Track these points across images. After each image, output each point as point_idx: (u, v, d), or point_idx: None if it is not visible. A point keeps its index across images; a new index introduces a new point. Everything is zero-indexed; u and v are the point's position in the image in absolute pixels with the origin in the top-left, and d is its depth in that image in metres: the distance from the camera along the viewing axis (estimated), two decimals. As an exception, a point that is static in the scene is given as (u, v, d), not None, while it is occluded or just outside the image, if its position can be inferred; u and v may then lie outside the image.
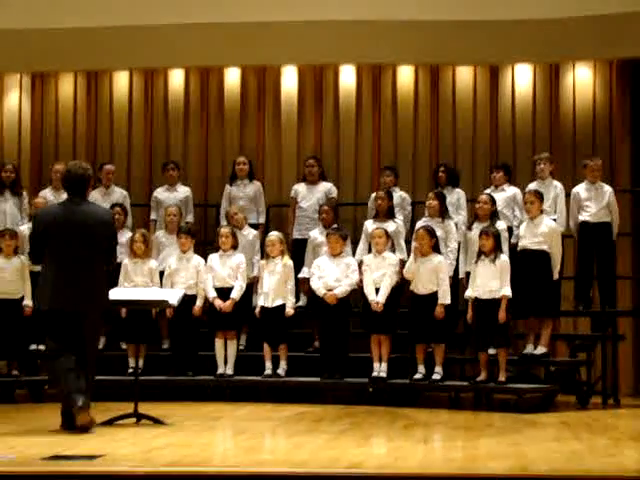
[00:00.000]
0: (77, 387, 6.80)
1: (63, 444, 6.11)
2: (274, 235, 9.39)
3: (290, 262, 9.32)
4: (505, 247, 8.82)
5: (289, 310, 9.17)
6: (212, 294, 9.22)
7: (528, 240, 8.82)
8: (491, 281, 8.52)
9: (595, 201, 9.23)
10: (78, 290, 6.97)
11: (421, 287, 8.74)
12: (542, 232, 8.78)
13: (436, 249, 8.79)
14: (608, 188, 9.31)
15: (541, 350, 8.74)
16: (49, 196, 10.08)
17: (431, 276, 8.70)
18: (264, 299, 9.18)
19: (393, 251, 9.08)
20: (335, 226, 9.43)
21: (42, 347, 9.52)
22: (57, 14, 10.55)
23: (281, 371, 9.12)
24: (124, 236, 9.71)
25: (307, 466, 5.23)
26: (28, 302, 9.22)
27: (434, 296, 8.66)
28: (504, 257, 8.59)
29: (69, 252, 6.98)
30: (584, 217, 9.24)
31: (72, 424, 6.77)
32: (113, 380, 9.18)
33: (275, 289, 9.18)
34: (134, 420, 7.21)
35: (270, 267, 9.22)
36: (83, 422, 6.70)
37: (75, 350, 6.97)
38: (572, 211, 9.30)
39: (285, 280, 9.21)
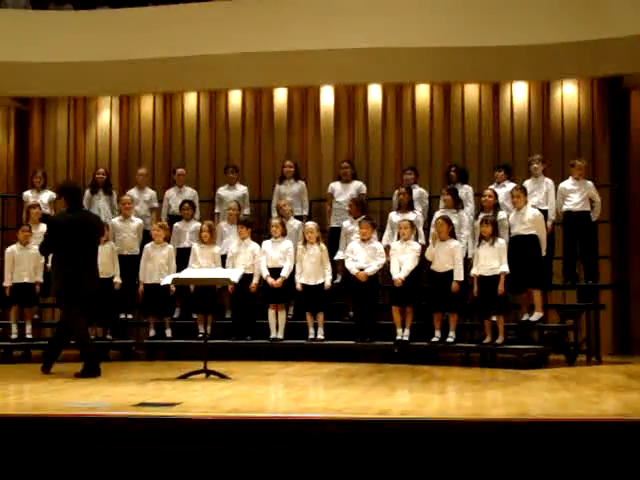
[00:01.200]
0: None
1: (148, 394, 6.20)
2: (311, 224, 9.38)
3: (324, 246, 9.29)
4: (505, 232, 8.79)
5: (327, 284, 9.17)
6: (265, 273, 9.24)
7: (518, 227, 8.75)
8: (491, 260, 8.48)
9: (578, 193, 9.15)
10: (85, 273, 7.60)
11: (439, 266, 8.71)
12: (528, 219, 8.72)
13: (452, 235, 8.77)
14: (590, 183, 9.23)
15: (537, 315, 8.68)
16: (134, 194, 10.17)
17: (448, 257, 8.67)
18: (305, 277, 9.19)
19: (416, 239, 9.07)
20: (363, 217, 9.41)
21: (130, 316, 9.70)
22: (138, 48, 10.59)
23: (320, 335, 9.10)
24: (192, 225, 9.80)
25: (344, 412, 5.26)
26: (117, 279, 9.32)
27: (450, 274, 8.62)
28: (501, 241, 8.56)
29: (77, 246, 7.57)
30: (568, 206, 9.17)
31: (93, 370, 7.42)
32: (186, 343, 9.28)
33: (313, 269, 9.18)
34: (204, 375, 7.29)
35: (310, 251, 9.23)
36: None
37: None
38: (558, 202, 9.23)
39: (321, 261, 9.21)
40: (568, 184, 9.24)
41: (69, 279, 7.53)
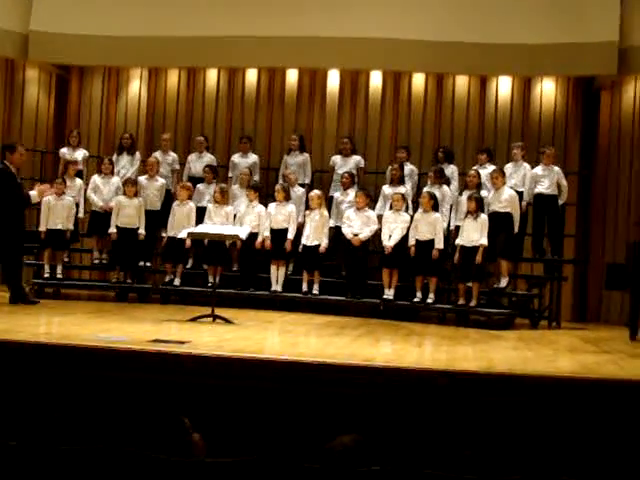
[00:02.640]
0: None
1: (162, 332, 6.23)
2: (315, 192, 9.32)
3: (326, 212, 9.23)
4: (485, 209, 8.75)
5: (323, 247, 9.13)
6: (266, 234, 9.16)
7: (496, 206, 8.69)
8: (473, 233, 8.45)
9: (547, 178, 9.08)
10: None
11: (422, 235, 8.69)
12: (505, 199, 8.67)
13: (435, 208, 8.73)
14: (557, 169, 9.14)
15: (504, 281, 8.62)
16: (158, 157, 10.08)
17: (430, 228, 8.64)
18: (306, 239, 9.16)
19: (406, 210, 9.02)
20: (357, 188, 9.36)
21: (148, 264, 9.67)
22: (167, 26, 10.51)
23: (315, 290, 9.10)
24: (212, 188, 9.70)
25: (334, 358, 5.27)
26: (142, 231, 9.28)
27: (431, 242, 8.59)
28: (484, 216, 8.51)
29: None
30: (539, 190, 9.10)
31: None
32: (197, 291, 9.24)
33: (314, 232, 9.15)
34: (211, 319, 7.28)
35: (311, 216, 9.19)
36: None
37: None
38: (530, 186, 9.16)
39: (322, 226, 9.17)
40: (539, 170, 9.17)
41: None
